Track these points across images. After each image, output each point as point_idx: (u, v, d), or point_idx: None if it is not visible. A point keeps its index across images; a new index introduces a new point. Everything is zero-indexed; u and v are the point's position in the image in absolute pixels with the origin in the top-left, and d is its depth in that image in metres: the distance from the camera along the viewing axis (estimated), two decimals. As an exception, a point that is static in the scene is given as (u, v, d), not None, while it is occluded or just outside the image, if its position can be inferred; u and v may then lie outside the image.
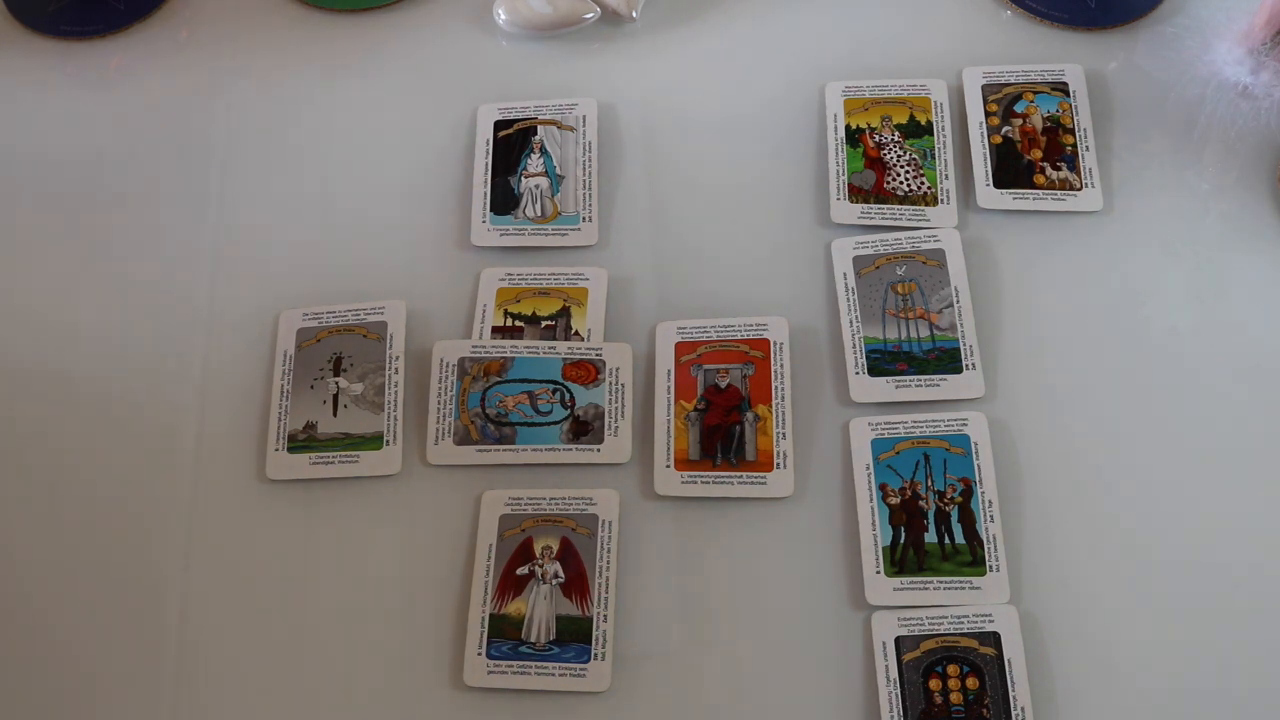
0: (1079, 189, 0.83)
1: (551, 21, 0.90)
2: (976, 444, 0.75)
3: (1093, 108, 0.86)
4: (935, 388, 0.77)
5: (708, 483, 0.75)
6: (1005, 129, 0.85)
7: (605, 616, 0.72)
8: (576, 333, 0.80)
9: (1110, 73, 0.88)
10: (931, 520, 0.74)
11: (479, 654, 0.72)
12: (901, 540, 0.73)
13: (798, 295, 0.81)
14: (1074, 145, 0.84)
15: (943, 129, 0.86)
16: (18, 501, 0.77)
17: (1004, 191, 0.83)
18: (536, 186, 0.85)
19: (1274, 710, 0.70)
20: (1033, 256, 0.82)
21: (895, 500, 0.74)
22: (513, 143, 0.87)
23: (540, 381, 0.78)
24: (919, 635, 0.71)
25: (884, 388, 0.78)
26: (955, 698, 0.69)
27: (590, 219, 0.84)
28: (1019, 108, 0.86)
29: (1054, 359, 0.79)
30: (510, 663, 0.71)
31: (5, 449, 0.79)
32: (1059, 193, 0.83)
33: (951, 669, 0.70)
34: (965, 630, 0.71)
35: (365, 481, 0.77)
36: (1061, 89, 0.86)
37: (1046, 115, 0.86)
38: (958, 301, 0.80)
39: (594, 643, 0.71)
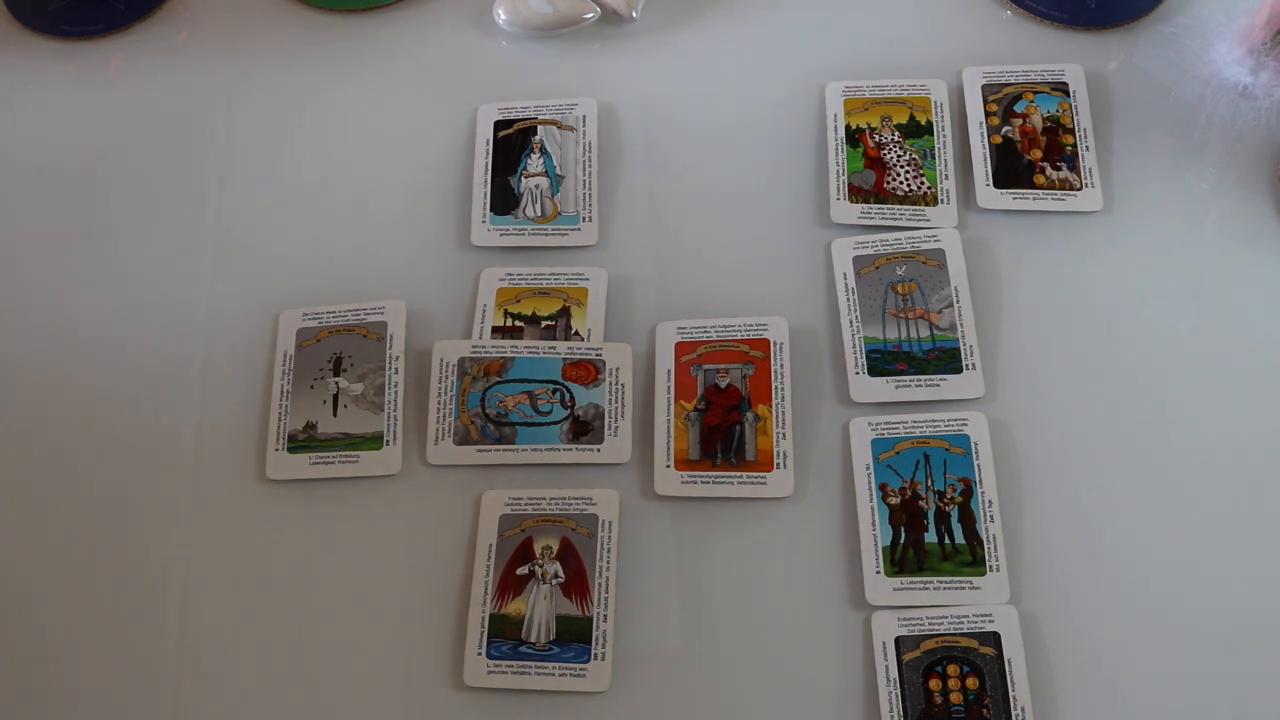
0: (1079, 189, 0.83)
1: (551, 21, 0.90)
2: (976, 444, 0.75)
3: (1093, 108, 0.86)
4: (935, 388, 0.77)
5: (708, 483, 0.75)
6: (1005, 129, 0.85)
7: (605, 616, 0.72)
8: (576, 333, 0.80)
9: (1110, 73, 0.88)
10: (931, 520, 0.74)
11: (479, 654, 0.72)
12: (901, 540, 0.73)
13: (798, 295, 0.81)
14: (1074, 145, 0.84)
15: (943, 129, 0.86)
16: (17, 501, 0.77)
17: (1004, 191, 0.83)
18: (536, 186, 0.85)
19: (1274, 709, 0.70)
20: (1033, 257, 0.82)
21: (895, 500, 0.74)
22: (513, 143, 0.87)
23: (540, 381, 0.78)
24: (919, 635, 0.71)
25: (884, 388, 0.78)
26: (955, 698, 0.69)
27: (590, 219, 0.84)
28: (1019, 108, 0.86)
29: (1054, 359, 0.78)
30: (510, 663, 0.71)
31: (4, 449, 0.79)
32: (1059, 193, 0.83)
33: (951, 669, 0.70)
34: (965, 630, 0.71)
35: (365, 481, 0.77)
36: (1061, 89, 0.86)
37: (1046, 115, 0.86)
38: (958, 301, 0.80)
39: (594, 643, 0.71)
